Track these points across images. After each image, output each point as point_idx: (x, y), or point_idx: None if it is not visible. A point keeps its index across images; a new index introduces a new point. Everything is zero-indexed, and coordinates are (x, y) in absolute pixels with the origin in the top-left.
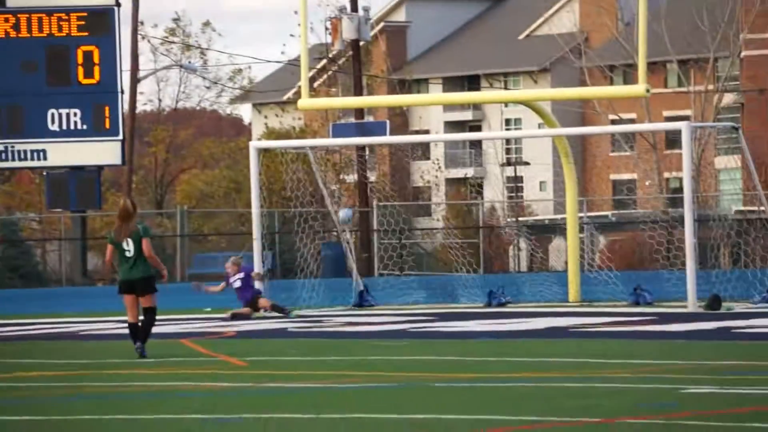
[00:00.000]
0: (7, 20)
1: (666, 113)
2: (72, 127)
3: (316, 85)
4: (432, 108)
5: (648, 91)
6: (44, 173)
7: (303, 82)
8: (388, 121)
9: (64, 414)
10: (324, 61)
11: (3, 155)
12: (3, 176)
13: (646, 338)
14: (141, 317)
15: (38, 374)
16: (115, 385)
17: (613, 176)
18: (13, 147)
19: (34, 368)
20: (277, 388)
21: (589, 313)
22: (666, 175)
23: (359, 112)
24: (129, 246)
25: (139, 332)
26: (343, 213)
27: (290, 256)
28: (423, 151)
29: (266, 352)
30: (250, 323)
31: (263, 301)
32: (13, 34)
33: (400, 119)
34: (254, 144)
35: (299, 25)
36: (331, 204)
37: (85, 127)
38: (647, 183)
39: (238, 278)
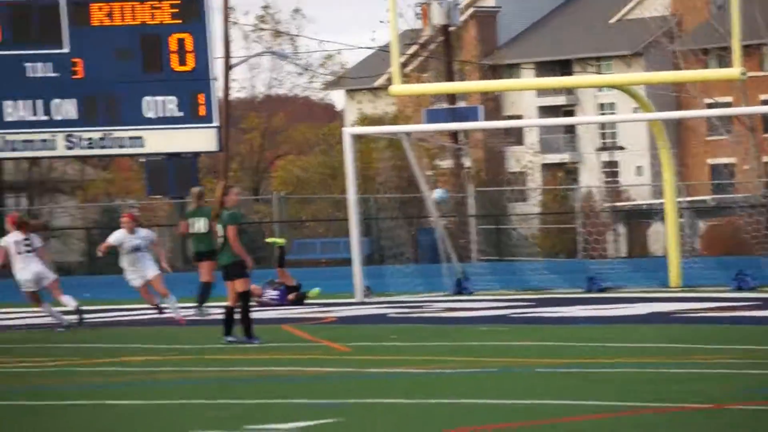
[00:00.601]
0: (100, 9)
1: (763, 96)
2: (168, 114)
3: (407, 70)
4: (524, 93)
5: (743, 74)
6: (142, 160)
7: (394, 68)
8: (481, 106)
9: (165, 399)
10: (415, 47)
11: (101, 143)
12: (102, 163)
13: (751, 323)
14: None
15: (144, 359)
16: (219, 370)
17: (710, 160)
18: (110, 134)
19: (140, 353)
20: (381, 373)
21: (692, 299)
22: (765, 158)
23: (451, 98)
24: (220, 232)
25: (232, 321)
26: (438, 193)
27: (387, 242)
28: (517, 136)
29: (368, 338)
30: (350, 309)
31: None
32: (107, 22)
33: (492, 104)
34: (348, 130)
35: (388, 10)
36: (427, 190)
37: (181, 114)
38: (745, 167)
39: (269, 294)
